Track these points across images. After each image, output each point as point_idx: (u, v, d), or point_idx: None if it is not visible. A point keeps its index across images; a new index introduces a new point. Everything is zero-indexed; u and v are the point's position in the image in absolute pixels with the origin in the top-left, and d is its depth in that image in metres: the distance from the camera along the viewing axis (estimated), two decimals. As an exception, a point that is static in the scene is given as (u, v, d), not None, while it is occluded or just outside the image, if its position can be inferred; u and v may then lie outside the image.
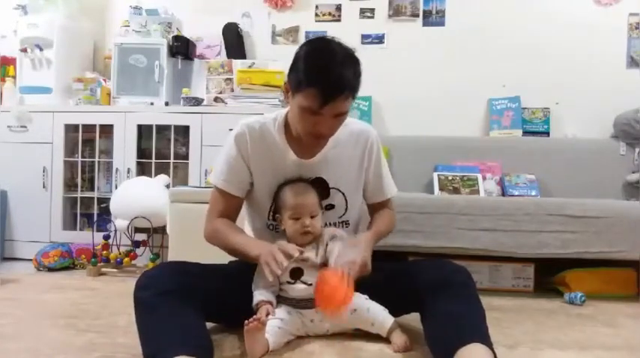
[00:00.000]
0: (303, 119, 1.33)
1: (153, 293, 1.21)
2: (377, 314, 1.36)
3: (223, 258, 1.53)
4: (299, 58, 1.32)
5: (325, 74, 1.25)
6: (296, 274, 1.37)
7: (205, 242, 1.51)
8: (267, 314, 1.28)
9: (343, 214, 1.52)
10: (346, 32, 3.01)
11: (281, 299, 1.39)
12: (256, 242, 1.44)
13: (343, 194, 1.51)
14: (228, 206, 1.50)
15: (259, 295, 1.35)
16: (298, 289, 1.37)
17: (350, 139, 1.51)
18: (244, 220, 1.62)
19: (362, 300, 1.37)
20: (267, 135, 1.47)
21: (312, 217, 1.39)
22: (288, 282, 1.37)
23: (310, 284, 1.35)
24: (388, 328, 1.35)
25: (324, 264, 1.36)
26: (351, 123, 1.54)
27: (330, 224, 1.50)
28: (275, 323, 1.29)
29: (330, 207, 1.50)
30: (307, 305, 1.37)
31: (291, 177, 1.46)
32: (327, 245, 1.38)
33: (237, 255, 1.47)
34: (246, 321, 1.18)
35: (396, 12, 3.23)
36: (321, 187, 1.47)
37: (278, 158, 1.46)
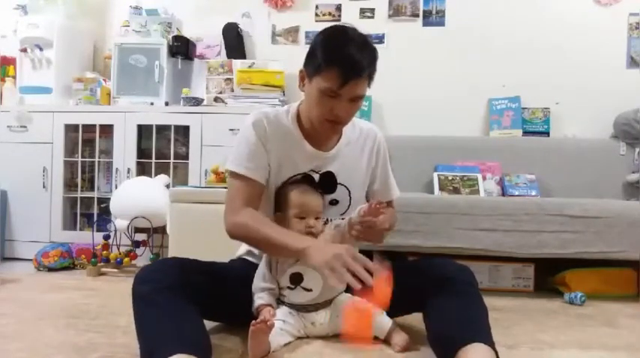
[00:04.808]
0: (320, 103, 1.34)
1: (152, 288, 1.19)
2: (375, 318, 1.35)
3: (224, 257, 1.52)
4: (317, 44, 1.35)
5: (346, 54, 1.29)
6: (296, 280, 1.35)
7: (205, 241, 1.51)
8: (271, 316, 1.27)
9: (345, 211, 1.51)
10: (346, 32, 3.01)
11: (281, 303, 1.39)
12: (299, 235, 1.34)
13: (349, 191, 1.51)
14: (251, 194, 1.42)
15: (259, 299, 1.34)
16: (298, 295, 1.36)
17: (359, 138, 1.54)
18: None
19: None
20: (282, 125, 1.47)
21: (315, 219, 1.39)
22: (289, 288, 1.36)
23: (310, 290, 1.34)
24: (387, 330, 1.35)
25: None
26: (359, 122, 1.58)
27: (331, 220, 1.48)
28: (277, 325, 1.28)
29: (335, 202, 1.50)
30: (308, 309, 1.36)
31: (300, 171, 1.45)
32: (333, 236, 1.36)
33: (271, 249, 1.37)
34: (253, 322, 1.18)
35: (396, 12, 3.24)
36: (329, 181, 1.47)
37: (294, 149, 1.46)
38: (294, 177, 1.46)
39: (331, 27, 1.40)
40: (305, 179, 1.45)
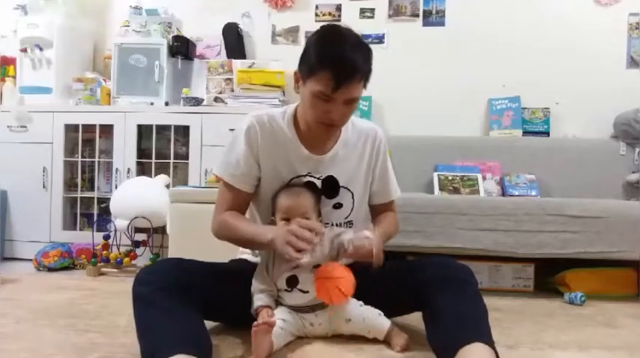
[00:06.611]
0: (314, 106, 1.32)
1: (152, 288, 1.20)
2: (373, 321, 1.35)
3: (224, 257, 1.52)
4: (310, 45, 1.32)
5: (338, 57, 1.26)
6: (292, 282, 1.35)
7: (205, 241, 1.50)
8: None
9: (349, 214, 1.50)
10: (346, 32, 3.01)
11: (280, 305, 1.38)
12: (268, 226, 1.38)
13: (352, 194, 1.49)
14: (235, 200, 1.46)
15: (258, 300, 1.34)
16: (295, 297, 1.36)
17: (359, 139, 1.51)
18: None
19: (356, 309, 1.36)
20: (277, 129, 1.45)
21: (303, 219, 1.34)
22: (286, 290, 1.36)
23: (307, 292, 1.34)
24: (386, 332, 1.35)
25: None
26: (358, 122, 1.55)
27: (335, 224, 1.48)
28: (277, 324, 1.29)
29: (339, 206, 1.48)
30: (306, 310, 1.36)
31: (296, 174, 1.44)
32: (332, 241, 1.33)
33: (249, 245, 1.44)
34: (255, 322, 1.18)
35: (396, 12, 3.23)
36: (332, 185, 1.46)
37: (289, 152, 1.44)
38: (295, 180, 1.44)
39: (325, 27, 1.36)
40: (307, 186, 1.43)
